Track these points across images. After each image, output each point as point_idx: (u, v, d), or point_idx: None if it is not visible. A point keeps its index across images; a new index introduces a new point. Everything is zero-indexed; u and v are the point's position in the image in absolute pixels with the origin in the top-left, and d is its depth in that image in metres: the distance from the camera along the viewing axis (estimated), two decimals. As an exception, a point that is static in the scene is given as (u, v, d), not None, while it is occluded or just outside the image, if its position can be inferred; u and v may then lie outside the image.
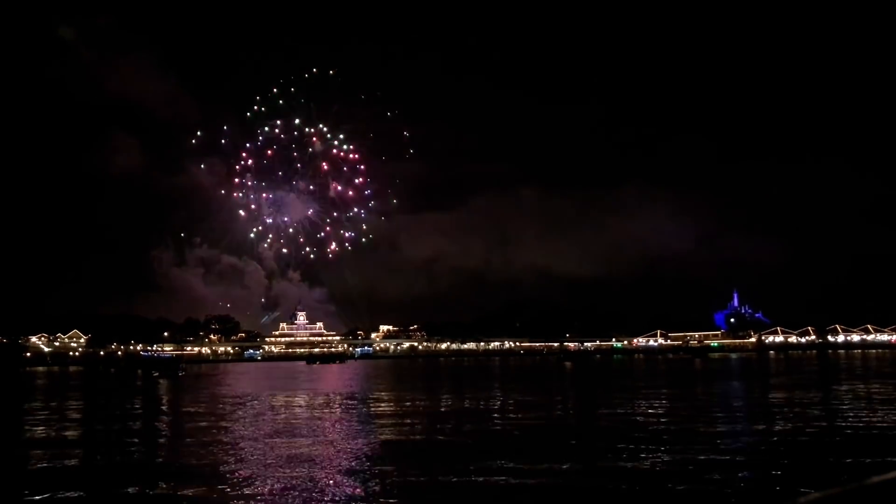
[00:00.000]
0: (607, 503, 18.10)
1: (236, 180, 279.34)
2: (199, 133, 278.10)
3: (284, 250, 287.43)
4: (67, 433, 35.45)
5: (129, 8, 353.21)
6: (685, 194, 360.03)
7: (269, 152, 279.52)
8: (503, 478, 20.50)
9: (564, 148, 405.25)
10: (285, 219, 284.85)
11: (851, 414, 36.19)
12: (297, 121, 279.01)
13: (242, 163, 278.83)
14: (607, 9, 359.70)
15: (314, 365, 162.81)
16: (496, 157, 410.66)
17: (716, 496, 17.95)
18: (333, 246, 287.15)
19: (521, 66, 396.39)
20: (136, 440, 33.01)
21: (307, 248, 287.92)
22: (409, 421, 37.85)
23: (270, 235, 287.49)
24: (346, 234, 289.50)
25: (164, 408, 51.96)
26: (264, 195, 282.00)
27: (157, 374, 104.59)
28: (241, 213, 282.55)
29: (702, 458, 23.27)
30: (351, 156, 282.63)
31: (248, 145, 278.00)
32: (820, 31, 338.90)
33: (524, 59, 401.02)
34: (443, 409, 45.84)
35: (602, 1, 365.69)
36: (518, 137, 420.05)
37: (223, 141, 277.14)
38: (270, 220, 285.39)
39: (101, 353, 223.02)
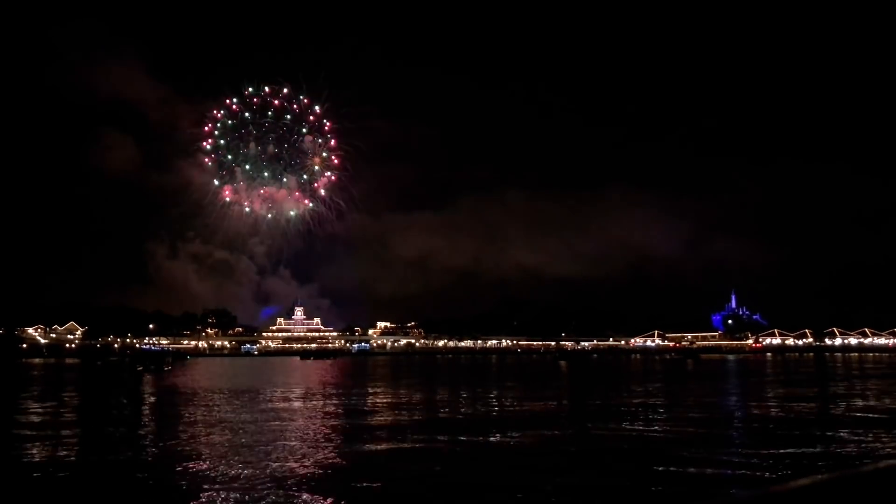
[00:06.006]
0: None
1: (227, 176, 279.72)
2: (191, 131, 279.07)
3: (273, 245, 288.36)
4: None
5: (119, 11, 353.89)
6: (671, 196, 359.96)
7: (260, 149, 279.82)
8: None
9: (549, 151, 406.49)
10: (276, 215, 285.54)
11: (844, 407, 35.91)
12: (287, 117, 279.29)
13: (234, 159, 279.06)
14: (592, 12, 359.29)
15: (308, 361, 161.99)
16: (482, 159, 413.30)
17: (707, 481, 17.64)
18: (322, 242, 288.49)
19: (506, 70, 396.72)
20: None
21: (297, 245, 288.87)
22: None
23: (261, 231, 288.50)
24: (336, 232, 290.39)
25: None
26: (256, 191, 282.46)
27: (141, 367, 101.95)
28: (233, 208, 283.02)
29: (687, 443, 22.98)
30: (340, 156, 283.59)
31: (239, 142, 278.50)
32: (816, 33, 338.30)
33: (510, 62, 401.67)
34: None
35: (587, 5, 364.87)
36: (503, 140, 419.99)
37: (214, 139, 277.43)
38: (262, 217, 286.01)
39: (98, 345, 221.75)
